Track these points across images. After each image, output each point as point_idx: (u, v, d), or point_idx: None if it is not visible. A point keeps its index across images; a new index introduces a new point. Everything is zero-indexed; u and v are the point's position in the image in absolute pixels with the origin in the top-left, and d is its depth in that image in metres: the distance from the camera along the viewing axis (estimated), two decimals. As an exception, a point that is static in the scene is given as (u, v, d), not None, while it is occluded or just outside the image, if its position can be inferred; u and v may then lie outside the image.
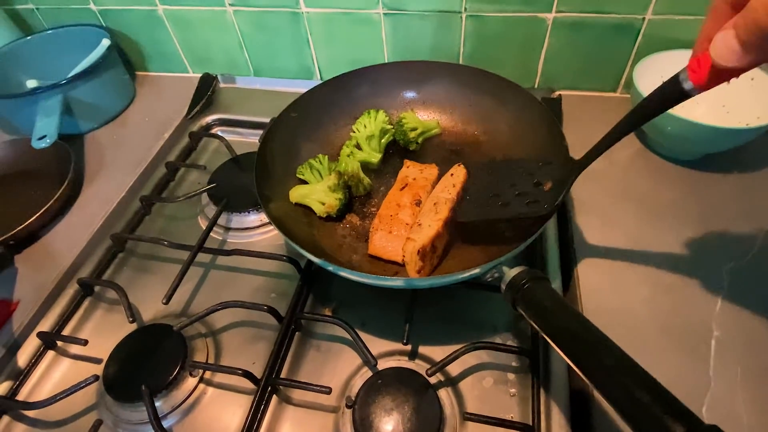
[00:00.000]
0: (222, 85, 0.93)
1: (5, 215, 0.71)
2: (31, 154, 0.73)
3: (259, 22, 0.82)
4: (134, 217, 0.71)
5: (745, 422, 0.43)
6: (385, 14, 0.75)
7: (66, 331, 0.59)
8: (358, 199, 0.65)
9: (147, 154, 0.78)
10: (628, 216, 0.60)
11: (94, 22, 0.88)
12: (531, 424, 0.46)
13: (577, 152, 0.48)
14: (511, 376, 0.51)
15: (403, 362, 0.52)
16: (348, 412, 0.48)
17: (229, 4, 0.80)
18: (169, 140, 0.81)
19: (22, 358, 0.56)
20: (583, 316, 0.39)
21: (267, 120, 0.76)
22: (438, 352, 0.53)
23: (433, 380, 0.49)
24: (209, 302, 0.56)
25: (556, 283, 0.56)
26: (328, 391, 0.48)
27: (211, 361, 0.55)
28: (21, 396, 0.54)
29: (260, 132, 0.66)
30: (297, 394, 0.52)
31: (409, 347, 0.53)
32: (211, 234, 0.65)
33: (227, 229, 0.68)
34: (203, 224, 0.69)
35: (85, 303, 0.62)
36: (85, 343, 0.56)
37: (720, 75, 0.32)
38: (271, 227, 0.68)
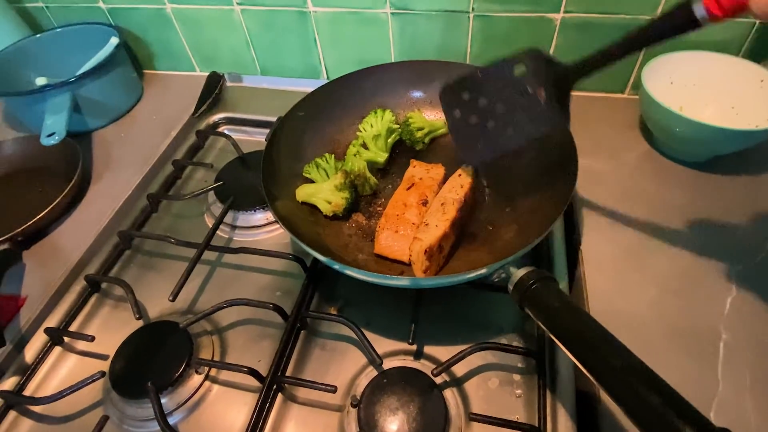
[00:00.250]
0: (229, 83, 0.93)
1: (14, 211, 0.72)
2: (39, 151, 0.74)
3: (266, 22, 0.82)
4: (141, 214, 0.71)
5: (754, 427, 0.43)
6: (392, 14, 0.75)
7: (73, 327, 0.60)
8: (364, 199, 0.65)
9: (154, 151, 0.79)
10: (635, 218, 0.60)
11: (102, 21, 0.89)
12: (537, 425, 0.46)
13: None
14: (517, 377, 0.51)
15: (409, 362, 0.52)
16: (353, 411, 0.48)
17: (237, 3, 0.80)
18: (176, 138, 0.82)
19: (30, 353, 0.56)
20: (591, 317, 0.38)
21: (274, 119, 0.76)
22: (443, 353, 0.52)
23: (438, 380, 0.49)
24: (215, 300, 0.56)
25: (562, 284, 0.56)
26: (333, 389, 0.48)
27: (216, 358, 0.55)
28: (28, 391, 0.54)
29: (267, 131, 0.66)
30: (302, 393, 0.52)
31: (414, 347, 0.53)
32: (217, 232, 0.65)
33: (233, 227, 0.68)
34: (210, 222, 0.70)
35: (92, 299, 0.63)
36: (91, 339, 0.56)
37: (741, 10, 0.32)
38: (277, 226, 0.68)
